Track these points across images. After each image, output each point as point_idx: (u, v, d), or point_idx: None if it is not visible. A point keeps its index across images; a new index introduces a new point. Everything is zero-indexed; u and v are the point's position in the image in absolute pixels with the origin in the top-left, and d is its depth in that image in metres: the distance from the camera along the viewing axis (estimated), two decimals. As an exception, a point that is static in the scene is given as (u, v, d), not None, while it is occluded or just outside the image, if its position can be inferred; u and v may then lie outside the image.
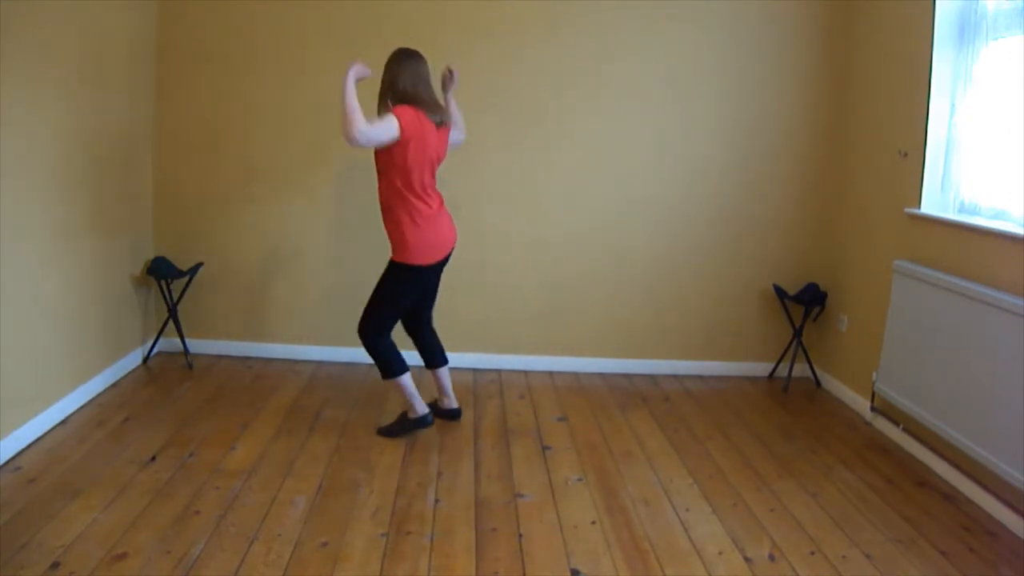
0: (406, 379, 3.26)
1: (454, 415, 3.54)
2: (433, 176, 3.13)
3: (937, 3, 3.29)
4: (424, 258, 3.09)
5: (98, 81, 3.49)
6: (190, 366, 4.08)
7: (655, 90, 4.14)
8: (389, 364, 3.22)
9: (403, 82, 2.99)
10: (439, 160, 3.14)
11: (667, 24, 4.08)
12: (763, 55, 4.13)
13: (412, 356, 3.45)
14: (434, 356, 3.47)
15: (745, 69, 4.14)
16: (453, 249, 3.26)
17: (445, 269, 3.29)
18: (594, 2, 4.04)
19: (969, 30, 3.27)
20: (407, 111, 2.93)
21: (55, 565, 2.26)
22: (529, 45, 4.08)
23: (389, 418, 3.50)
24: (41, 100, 3.06)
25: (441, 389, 3.52)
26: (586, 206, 4.23)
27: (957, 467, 3.08)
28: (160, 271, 4.02)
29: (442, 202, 3.18)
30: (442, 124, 3.10)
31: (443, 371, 3.49)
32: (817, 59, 4.14)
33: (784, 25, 4.11)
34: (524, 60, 4.08)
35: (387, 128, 2.86)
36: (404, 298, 3.20)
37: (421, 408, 3.32)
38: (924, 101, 3.37)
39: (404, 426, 3.33)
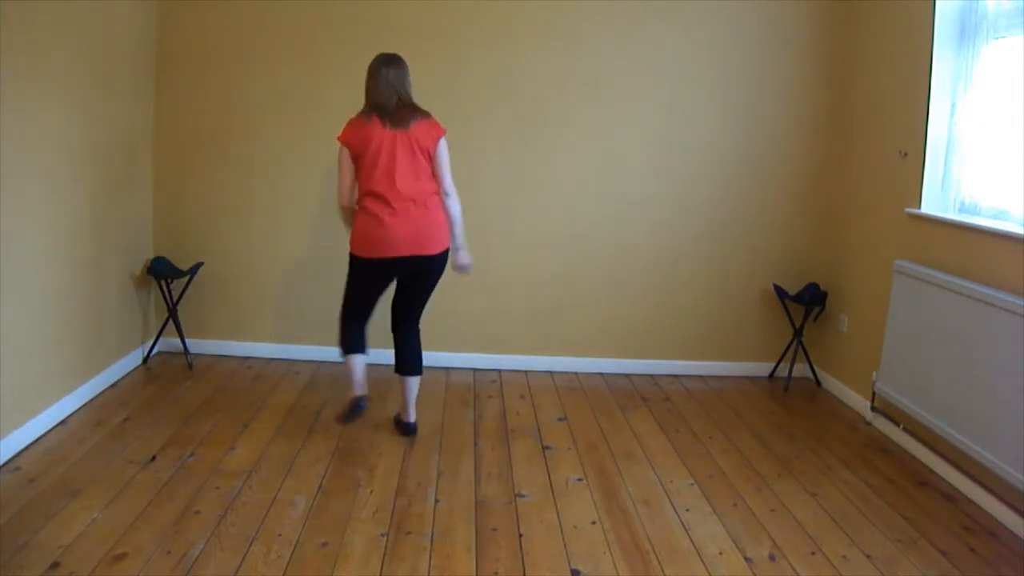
0: (350, 359, 3.26)
1: (406, 429, 3.37)
2: (403, 182, 3.02)
3: (937, 3, 3.29)
4: (360, 249, 3.10)
5: (98, 81, 3.49)
6: (190, 366, 4.07)
7: (655, 90, 4.15)
8: (341, 341, 3.29)
9: (374, 95, 3.07)
10: (394, 164, 3.01)
11: (667, 24, 4.08)
12: (763, 55, 4.13)
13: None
14: (402, 362, 3.32)
15: (745, 69, 4.14)
16: (415, 257, 3.08)
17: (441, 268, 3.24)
18: (595, 3, 4.05)
19: (969, 30, 3.27)
20: (346, 127, 3.09)
21: (55, 565, 2.26)
22: (530, 45, 4.07)
23: (390, 417, 3.51)
24: (41, 100, 3.06)
25: (401, 398, 3.38)
26: (586, 206, 4.23)
27: (958, 467, 3.07)
28: (160, 271, 4.02)
29: (412, 208, 3.05)
30: (397, 128, 3.02)
31: (408, 380, 3.32)
32: (817, 59, 4.14)
33: (784, 25, 4.11)
34: (525, 60, 4.08)
35: (343, 161, 3.08)
36: (353, 282, 3.23)
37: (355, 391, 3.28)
38: (924, 101, 3.37)
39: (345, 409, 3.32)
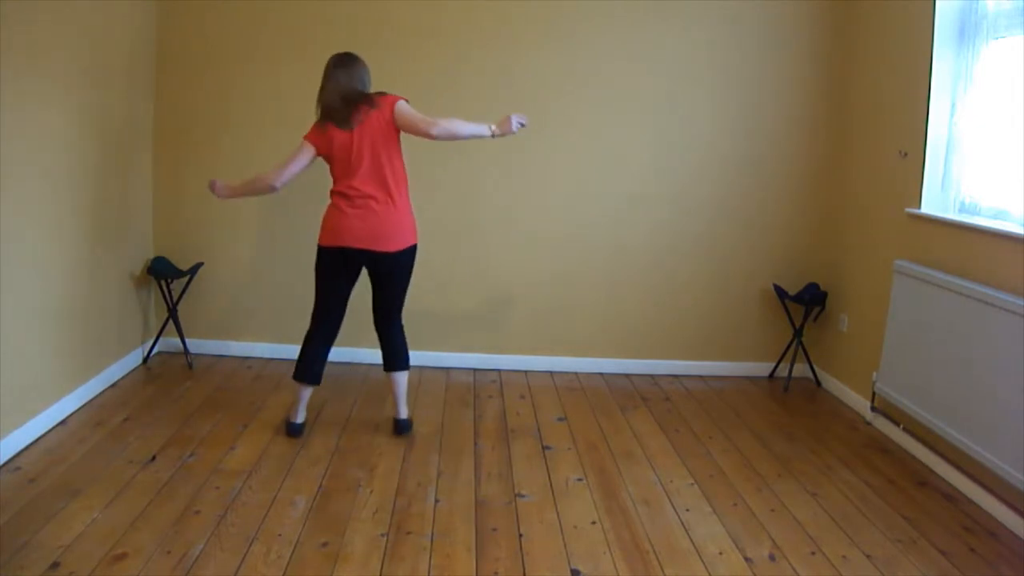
0: (298, 387, 3.29)
1: (398, 427, 3.35)
2: (363, 180, 3.05)
3: (937, 3, 3.29)
4: (322, 238, 3.16)
5: (98, 81, 3.49)
6: (190, 366, 4.08)
7: (656, 90, 4.15)
8: (297, 363, 3.29)
9: (323, 99, 3.09)
10: (359, 162, 3.04)
11: (667, 24, 4.09)
12: (763, 55, 4.13)
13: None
14: (387, 357, 3.33)
15: (745, 69, 4.14)
16: (369, 251, 3.09)
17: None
18: (595, 3, 4.05)
19: (969, 30, 3.27)
20: (311, 129, 3.11)
21: (55, 565, 2.26)
22: (530, 45, 4.07)
23: (389, 418, 3.51)
24: (41, 100, 3.06)
25: (392, 395, 3.39)
26: (587, 206, 4.23)
27: (958, 467, 3.07)
28: (160, 271, 4.02)
29: (373, 205, 3.06)
30: (349, 127, 3.02)
31: (395, 376, 3.32)
32: (817, 59, 4.14)
33: (784, 25, 4.11)
34: (525, 60, 4.08)
35: (298, 153, 3.11)
36: (318, 279, 3.23)
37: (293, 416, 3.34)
38: (924, 101, 3.37)
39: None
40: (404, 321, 3.35)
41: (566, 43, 4.08)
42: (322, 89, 3.10)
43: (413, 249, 3.20)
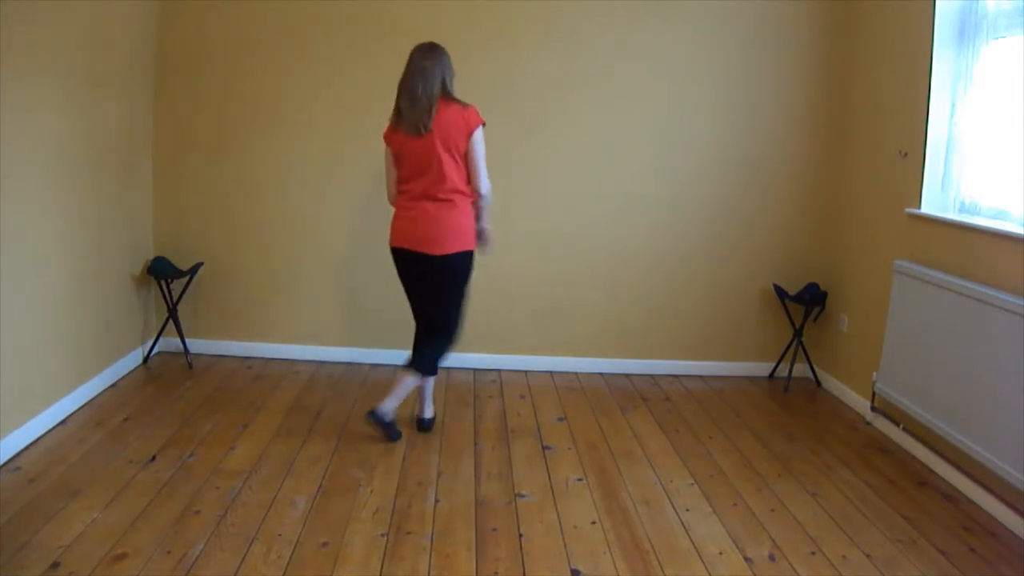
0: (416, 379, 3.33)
1: (373, 416, 3.24)
2: (426, 182, 3.07)
3: (937, 3, 3.29)
4: (391, 239, 3.20)
5: (98, 81, 3.48)
6: (190, 366, 4.08)
7: (655, 90, 4.14)
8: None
9: (400, 96, 3.07)
10: (426, 166, 3.05)
11: (667, 24, 4.08)
12: (763, 55, 4.13)
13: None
14: (411, 356, 3.32)
15: (745, 69, 4.14)
16: (421, 254, 3.11)
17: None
18: (595, 3, 4.05)
19: (969, 30, 3.27)
20: (388, 125, 3.13)
21: (55, 565, 2.26)
22: (530, 45, 4.07)
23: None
24: (41, 100, 3.06)
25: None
26: (586, 206, 4.22)
27: (958, 467, 3.08)
28: (160, 271, 4.02)
29: (428, 206, 3.08)
30: (420, 133, 3.01)
31: (399, 371, 3.27)
32: (817, 59, 4.14)
33: (784, 25, 4.11)
34: (525, 60, 4.08)
35: (386, 161, 3.20)
36: (400, 279, 3.29)
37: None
38: (924, 101, 3.37)
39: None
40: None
41: (566, 43, 4.08)
42: (401, 83, 3.04)
43: (465, 255, 3.16)
